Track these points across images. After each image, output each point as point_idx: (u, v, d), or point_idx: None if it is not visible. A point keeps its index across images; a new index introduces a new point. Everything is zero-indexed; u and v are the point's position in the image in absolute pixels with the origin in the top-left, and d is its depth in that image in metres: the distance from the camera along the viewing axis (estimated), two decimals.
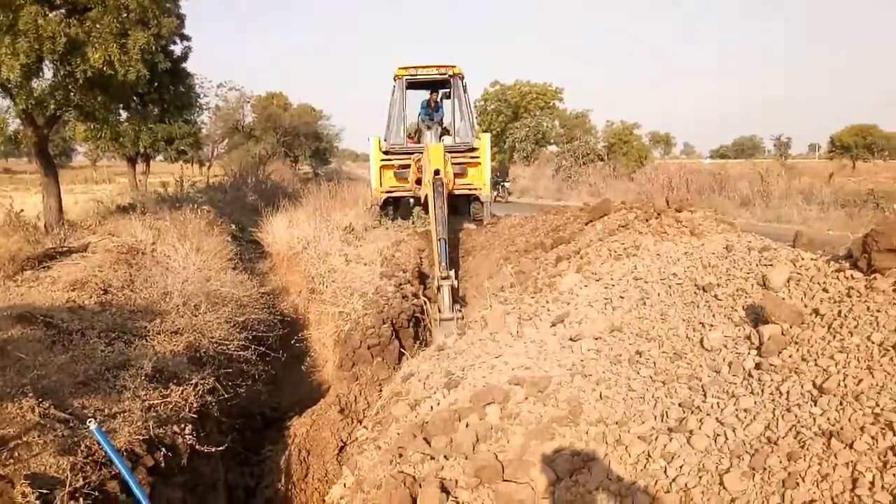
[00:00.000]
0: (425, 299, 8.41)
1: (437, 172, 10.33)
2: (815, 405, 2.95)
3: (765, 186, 18.08)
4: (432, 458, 3.80)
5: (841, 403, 2.88)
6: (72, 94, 10.55)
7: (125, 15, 9.95)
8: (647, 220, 6.93)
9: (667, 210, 7.00)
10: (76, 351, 5.74)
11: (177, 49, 17.24)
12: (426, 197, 11.16)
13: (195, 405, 5.45)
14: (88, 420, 3.61)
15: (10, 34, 8.94)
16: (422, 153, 12.60)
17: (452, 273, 7.87)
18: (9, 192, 22.98)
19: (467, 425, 3.95)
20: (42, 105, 10.37)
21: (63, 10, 9.91)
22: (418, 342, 8.03)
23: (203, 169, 35.67)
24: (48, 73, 10.46)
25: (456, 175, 12.90)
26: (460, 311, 7.77)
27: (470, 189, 13.72)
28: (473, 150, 13.60)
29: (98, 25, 9.65)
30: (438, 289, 7.76)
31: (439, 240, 8.66)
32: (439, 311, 7.62)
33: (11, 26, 8.90)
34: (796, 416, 2.94)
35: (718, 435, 3.07)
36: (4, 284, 7.71)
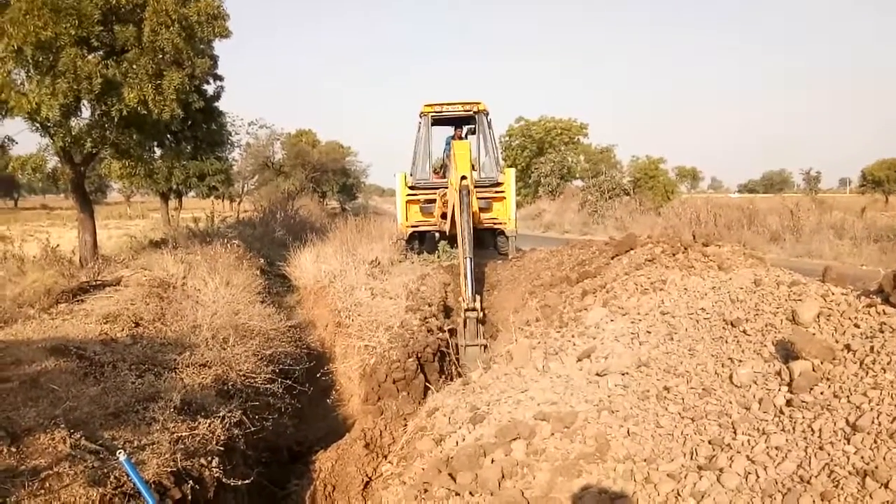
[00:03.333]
0: (450, 329, 8.38)
1: (463, 178, 9.35)
2: (849, 443, 2.89)
3: (795, 221, 17.82)
4: (457, 494, 3.77)
5: (875, 441, 2.81)
6: (108, 132, 10.88)
7: (161, 56, 10.29)
8: (673, 255, 6.89)
9: (694, 244, 6.96)
10: (107, 383, 5.84)
11: (210, 88, 17.74)
12: (451, 226, 11.11)
13: (222, 438, 5.48)
14: (118, 451, 3.66)
15: (50, 75, 9.29)
16: (447, 188, 12.72)
17: (478, 304, 7.83)
18: (45, 227, 23.65)
19: (493, 461, 3.92)
20: (79, 143, 10.71)
21: (101, 52, 10.28)
22: (444, 376, 7.99)
23: (233, 204, 36.35)
24: (86, 112, 10.83)
25: (481, 209, 12.98)
26: (485, 339, 7.78)
27: (495, 223, 13.80)
28: (498, 184, 13.72)
29: (134, 67, 9.98)
30: (465, 321, 7.75)
31: (465, 258, 8.29)
32: (464, 338, 7.65)
33: (51, 67, 9.25)
34: (829, 455, 2.88)
35: (749, 473, 3.01)
36: (40, 317, 7.89)
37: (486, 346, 7.61)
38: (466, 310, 7.68)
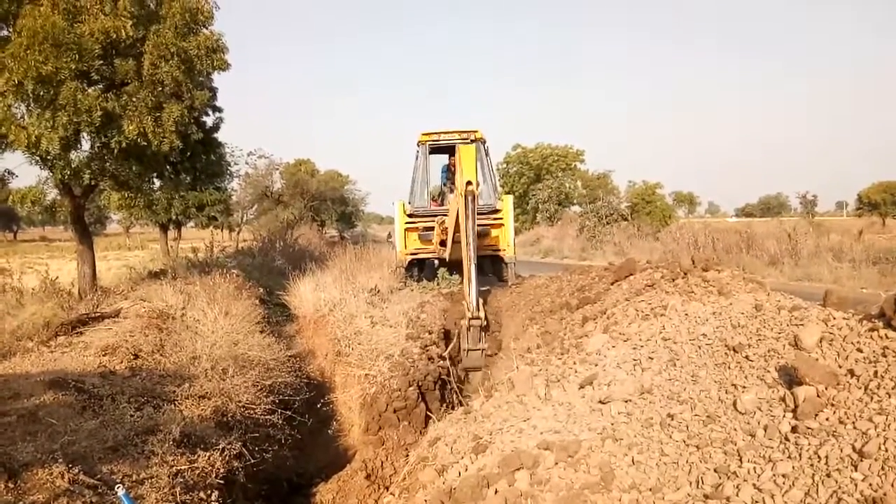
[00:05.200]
0: (456, 337, 8.49)
1: (468, 183, 8.99)
2: (856, 470, 2.86)
3: (793, 245, 17.87)
4: None
5: (883, 468, 2.79)
6: (107, 164, 10.92)
7: (160, 89, 10.37)
8: (673, 280, 6.88)
9: (693, 269, 6.95)
10: (106, 416, 5.79)
11: (209, 120, 17.84)
12: (452, 251, 11.18)
13: (222, 471, 5.44)
14: (116, 486, 3.63)
15: (51, 109, 9.35)
16: (445, 215, 12.79)
17: (482, 312, 7.92)
18: (45, 259, 23.62)
19: (496, 492, 3.87)
20: (79, 175, 10.74)
21: (101, 86, 10.37)
22: (445, 404, 7.95)
23: (233, 234, 36.38)
24: (85, 144, 10.87)
25: (480, 236, 12.99)
26: (486, 343, 8.07)
27: (494, 250, 13.81)
28: (496, 211, 13.76)
29: (134, 99, 10.07)
30: (469, 328, 7.84)
31: (469, 264, 8.28)
32: (467, 343, 7.86)
33: (52, 101, 9.32)
34: (837, 482, 2.85)
35: (757, 502, 2.98)
36: (38, 350, 7.85)
37: (485, 350, 8.00)
38: (471, 318, 7.80)
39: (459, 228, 9.32)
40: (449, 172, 14.77)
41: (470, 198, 8.85)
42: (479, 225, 12.45)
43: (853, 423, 3.18)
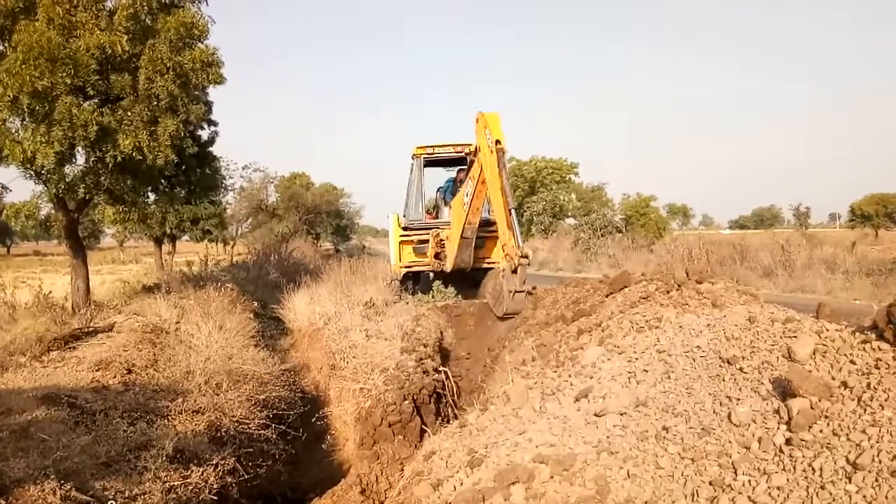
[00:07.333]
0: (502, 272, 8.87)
1: (497, 142, 9.74)
2: (850, 482, 2.87)
3: (786, 256, 17.94)
4: None
5: (876, 480, 2.79)
6: (102, 178, 10.88)
7: (156, 104, 10.38)
8: (667, 292, 6.90)
9: (687, 281, 6.97)
10: (99, 431, 5.75)
11: (204, 134, 17.84)
12: (457, 255, 11.42)
13: (215, 486, 5.40)
14: (109, 502, 3.60)
15: (46, 123, 9.34)
16: (440, 228, 12.83)
17: (530, 252, 8.34)
18: (38, 273, 23.53)
19: None
20: (73, 190, 10.70)
21: (96, 100, 10.37)
22: (440, 418, 7.92)
23: (227, 248, 36.32)
24: (80, 158, 10.85)
25: (475, 248, 13.03)
26: (532, 288, 8.55)
27: (490, 263, 13.84)
28: (492, 223, 13.80)
29: (129, 114, 10.06)
30: (515, 269, 8.24)
31: (509, 210, 8.76)
32: (515, 284, 8.29)
33: (47, 116, 9.31)
34: (831, 494, 2.86)
35: None
36: (31, 365, 7.80)
37: (531, 292, 8.54)
38: (521, 257, 8.06)
39: (489, 186, 9.85)
40: (454, 185, 14.75)
41: (501, 154, 9.54)
42: (476, 236, 12.52)
43: (847, 435, 3.19)
